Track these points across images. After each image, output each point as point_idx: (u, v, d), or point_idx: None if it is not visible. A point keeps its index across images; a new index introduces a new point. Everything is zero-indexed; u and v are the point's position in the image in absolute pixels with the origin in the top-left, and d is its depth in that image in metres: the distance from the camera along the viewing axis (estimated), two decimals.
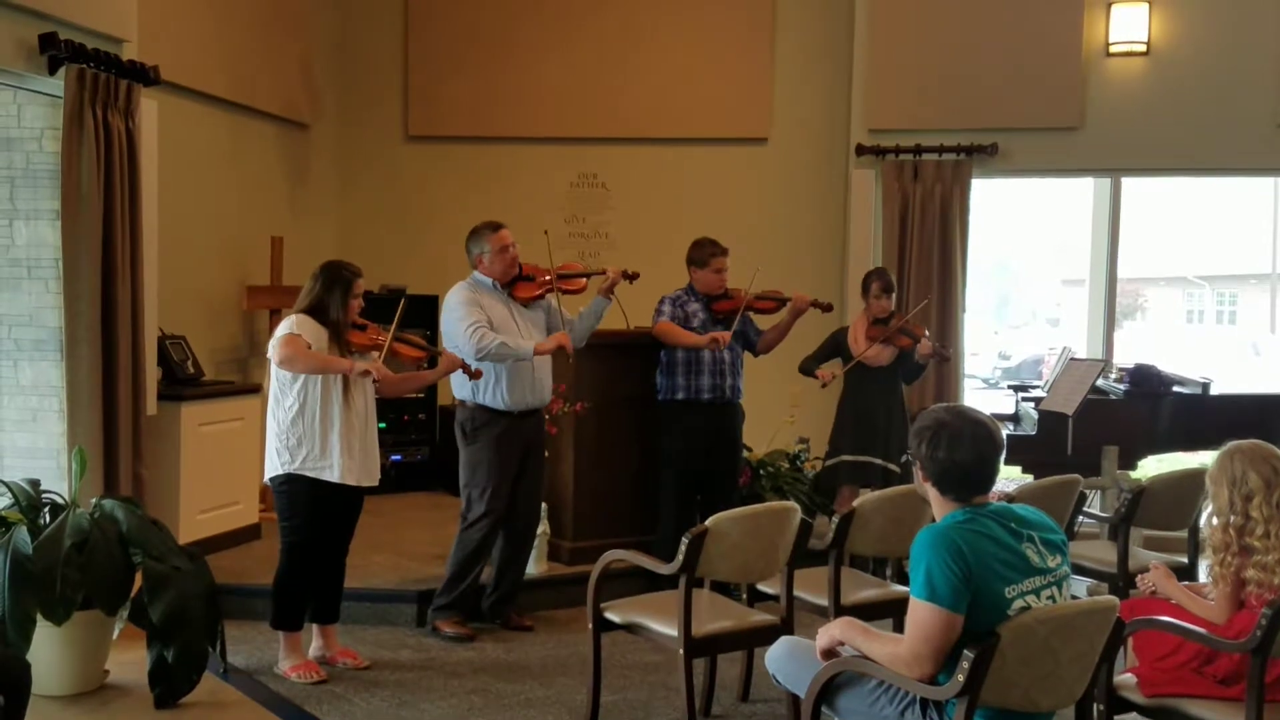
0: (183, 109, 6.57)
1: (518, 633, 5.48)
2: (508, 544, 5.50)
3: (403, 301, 5.00)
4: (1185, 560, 5.13)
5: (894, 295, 6.39)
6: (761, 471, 6.87)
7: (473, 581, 5.40)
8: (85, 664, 4.53)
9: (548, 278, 5.41)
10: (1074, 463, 6.00)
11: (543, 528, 5.88)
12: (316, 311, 4.73)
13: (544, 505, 5.86)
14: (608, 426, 6.12)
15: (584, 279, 5.53)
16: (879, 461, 6.24)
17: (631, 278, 5.52)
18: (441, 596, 5.43)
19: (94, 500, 4.65)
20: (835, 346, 6.43)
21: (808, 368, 6.34)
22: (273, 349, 4.64)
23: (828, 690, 3.20)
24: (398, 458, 7.91)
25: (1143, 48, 7.56)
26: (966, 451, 3.02)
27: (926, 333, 6.43)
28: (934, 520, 3.10)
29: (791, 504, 4.26)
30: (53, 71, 5.15)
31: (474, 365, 5.11)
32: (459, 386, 5.36)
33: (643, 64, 8.33)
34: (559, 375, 5.86)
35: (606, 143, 8.36)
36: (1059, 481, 5.03)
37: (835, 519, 4.48)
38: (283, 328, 4.68)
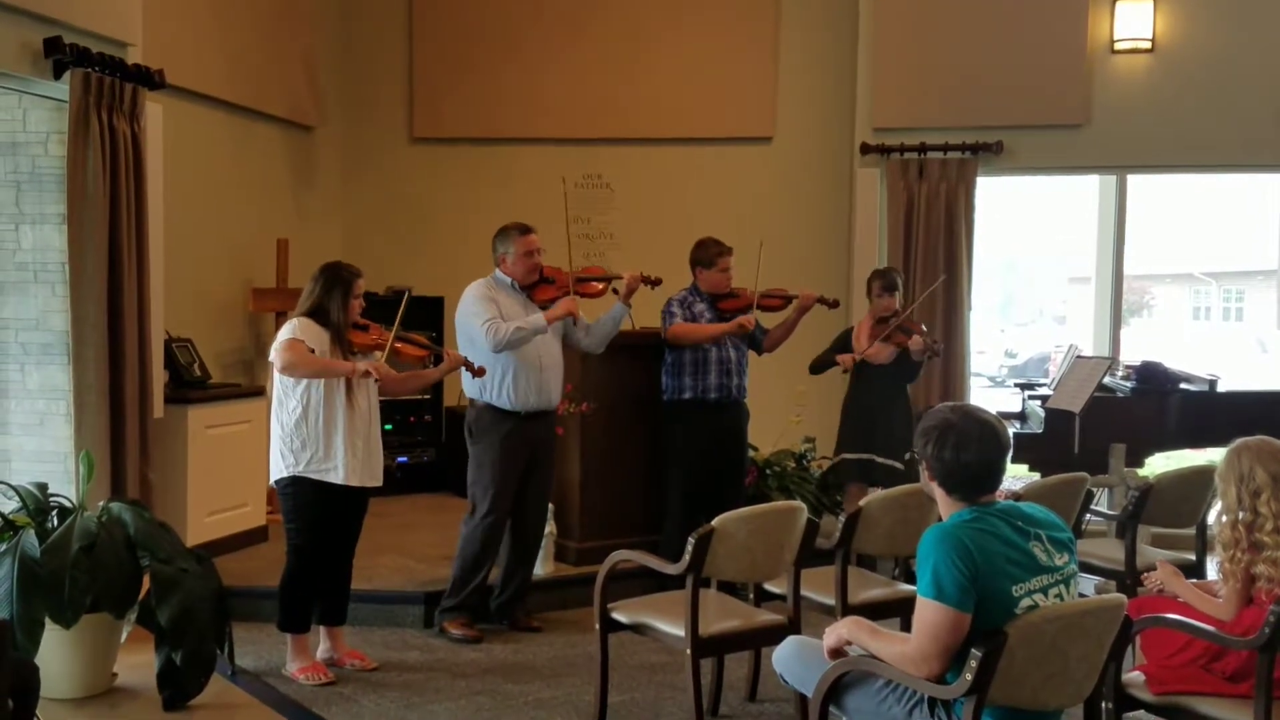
0: (188, 112, 6.57)
1: (525, 633, 5.48)
2: (514, 545, 5.51)
3: (405, 298, 4.99)
4: (1193, 558, 5.13)
5: (897, 294, 6.40)
6: (768, 471, 6.87)
7: (480, 583, 5.40)
8: (94, 667, 4.54)
9: (566, 283, 5.42)
10: (1081, 461, 5.98)
11: (549, 528, 5.88)
12: (317, 314, 4.73)
13: (550, 506, 5.87)
14: (614, 427, 6.12)
15: (602, 284, 5.53)
16: (880, 459, 6.25)
17: (653, 283, 5.51)
18: (449, 598, 5.44)
19: (101, 503, 4.65)
20: (842, 345, 6.49)
21: (824, 360, 6.42)
22: (274, 356, 4.65)
23: (835, 690, 3.20)
24: (404, 459, 7.92)
25: (1148, 44, 7.55)
26: (973, 451, 3.01)
27: (924, 328, 6.44)
28: (941, 519, 3.09)
29: (798, 503, 4.26)
30: (58, 76, 5.16)
31: (477, 363, 5.11)
32: (469, 386, 5.38)
33: (647, 64, 8.33)
34: (567, 375, 5.87)
35: (611, 143, 8.35)
36: (1066, 479, 5.03)
37: (842, 517, 4.48)
38: (284, 332, 4.68)
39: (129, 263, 5.46)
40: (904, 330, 6.32)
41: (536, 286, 5.41)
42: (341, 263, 4.87)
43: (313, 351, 4.63)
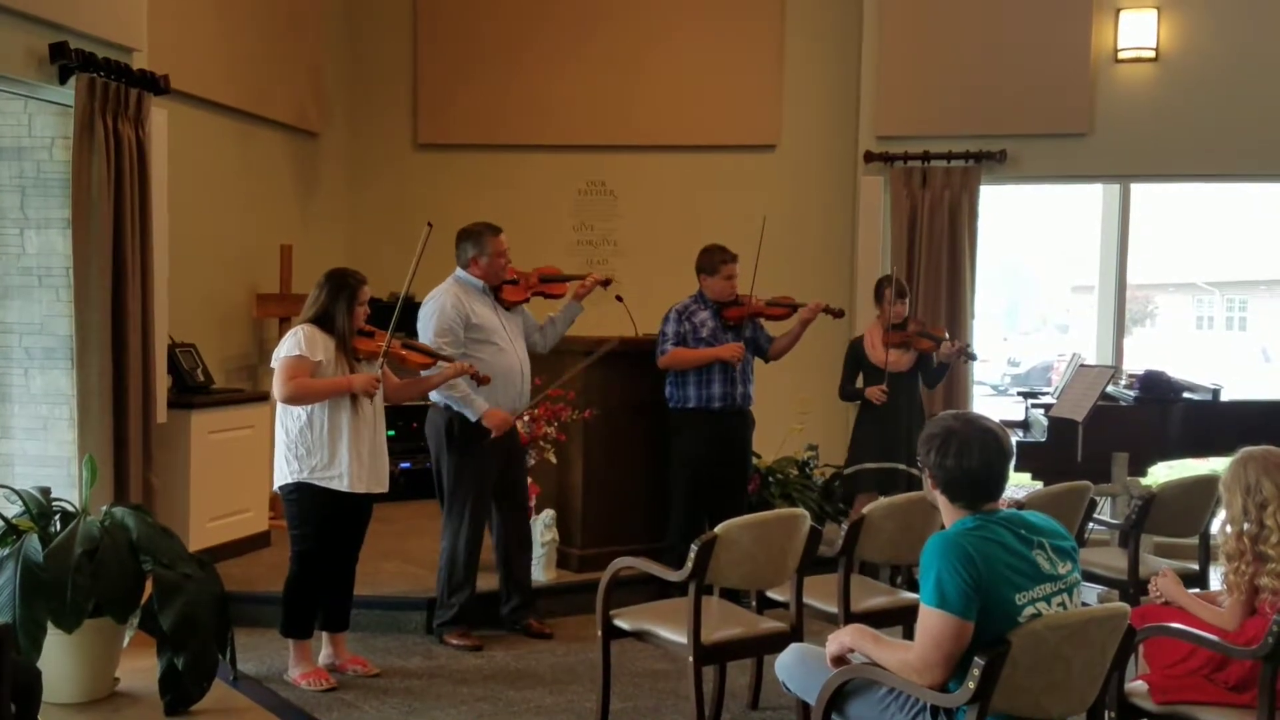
0: (193, 118, 6.59)
1: (528, 640, 5.47)
2: (503, 550, 5.52)
3: (399, 303, 4.95)
4: (1196, 567, 5.12)
5: (907, 300, 6.37)
6: (770, 478, 6.86)
7: (471, 590, 5.39)
8: (96, 671, 4.54)
9: (531, 283, 5.51)
10: (1084, 469, 5.98)
11: (551, 535, 5.88)
12: (322, 321, 4.73)
13: (552, 512, 5.88)
14: (616, 433, 6.12)
15: (565, 283, 5.65)
16: (903, 467, 6.20)
17: (605, 283, 5.65)
18: (442, 612, 5.42)
19: (104, 508, 4.66)
20: (856, 359, 6.38)
21: (851, 392, 6.35)
22: (276, 387, 4.64)
23: (838, 697, 3.20)
24: (407, 465, 7.91)
25: (1151, 54, 7.56)
26: (975, 459, 3.01)
27: (947, 334, 6.43)
28: (944, 527, 3.09)
29: (801, 511, 4.25)
30: (63, 81, 5.18)
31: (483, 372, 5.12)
32: (436, 394, 5.30)
33: (652, 71, 8.35)
34: (571, 381, 5.87)
35: (615, 150, 8.37)
36: (1069, 488, 5.02)
37: (845, 525, 4.48)
38: (288, 344, 4.67)
39: (133, 267, 5.47)
40: (927, 336, 6.29)
41: (502, 287, 5.45)
42: (347, 269, 4.87)
43: (319, 363, 4.63)
